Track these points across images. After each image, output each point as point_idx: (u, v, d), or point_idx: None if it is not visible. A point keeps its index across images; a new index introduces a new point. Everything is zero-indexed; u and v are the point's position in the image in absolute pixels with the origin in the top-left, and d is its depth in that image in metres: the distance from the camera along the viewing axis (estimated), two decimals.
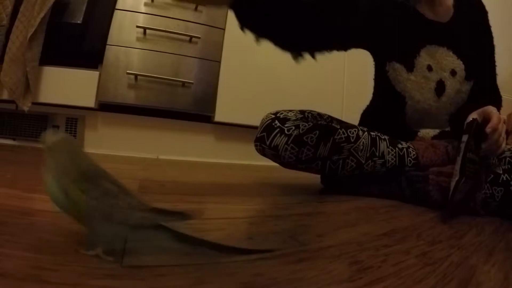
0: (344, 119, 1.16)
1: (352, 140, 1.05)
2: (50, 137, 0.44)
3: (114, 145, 1.86)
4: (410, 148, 1.10)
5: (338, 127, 1.06)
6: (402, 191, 1.08)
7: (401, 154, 1.09)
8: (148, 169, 1.44)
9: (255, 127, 1.16)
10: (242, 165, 1.80)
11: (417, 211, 0.94)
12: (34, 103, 1.75)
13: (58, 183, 0.43)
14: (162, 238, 0.47)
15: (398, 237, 0.64)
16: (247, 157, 1.88)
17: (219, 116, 1.92)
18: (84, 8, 1.82)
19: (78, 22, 1.81)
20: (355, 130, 1.07)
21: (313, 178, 1.19)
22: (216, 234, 0.61)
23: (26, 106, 1.71)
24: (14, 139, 1.87)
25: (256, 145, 1.11)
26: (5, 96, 1.74)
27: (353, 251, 0.53)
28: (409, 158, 1.09)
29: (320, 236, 0.60)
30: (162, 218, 0.46)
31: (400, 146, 1.10)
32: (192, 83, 1.87)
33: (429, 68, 1.12)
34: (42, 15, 1.69)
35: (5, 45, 1.74)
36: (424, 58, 1.12)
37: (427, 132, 1.16)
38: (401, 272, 0.47)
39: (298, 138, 1.03)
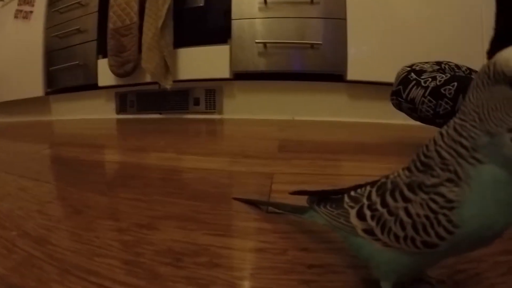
0: None
1: None
2: None
3: (251, 110, 2.01)
4: None
5: None
6: None
7: None
8: (285, 130, 1.53)
9: (389, 84, 1.13)
10: (377, 124, 1.76)
11: None
12: (175, 81, 2.05)
13: None
14: None
15: None
16: (382, 116, 1.82)
17: (351, 75, 1.86)
18: None
19: (201, 5, 2.03)
20: None
21: None
22: None
23: (168, 85, 2.03)
24: (160, 113, 2.22)
25: (392, 99, 1.09)
26: (148, 79, 2.10)
27: None
28: None
29: None
30: None
31: None
32: (320, 43, 1.86)
33: None
34: (166, 6, 1.94)
35: (139, 38, 2.07)
36: None
37: None
38: None
39: (436, 90, 0.97)
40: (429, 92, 0.98)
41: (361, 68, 1.86)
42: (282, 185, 0.66)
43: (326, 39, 1.87)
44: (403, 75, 1.05)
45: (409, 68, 1.06)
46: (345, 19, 1.86)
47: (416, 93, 1.00)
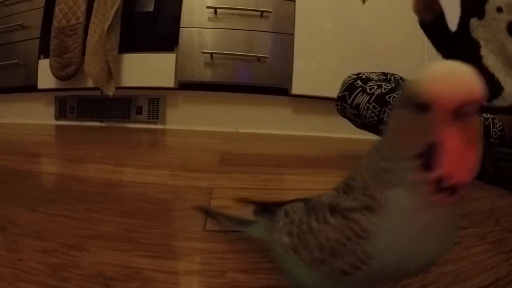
0: None
1: None
2: None
3: (195, 121, 1.99)
4: (496, 119, 0.99)
5: None
6: (484, 169, 0.93)
7: (486, 123, 0.98)
8: (228, 143, 1.51)
9: (333, 99, 1.15)
10: (321, 138, 1.80)
11: (500, 193, 0.84)
12: (117, 88, 1.96)
13: None
14: None
15: (475, 220, 0.60)
16: (325, 129, 1.87)
17: (296, 89, 1.91)
18: None
19: (150, 10, 1.98)
20: None
21: None
22: None
23: (110, 91, 1.93)
24: (101, 121, 2.12)
25: (337, 105, 1.11)
26: (90, 84, 1.99)
27: None
28: (494, 129, 0.97)
29: None
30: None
31: (485, 116, 0.99)
32: (267, 57, 1.88)
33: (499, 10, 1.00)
34: (115, 8, 1.87)
35: (84, 40, 1.97)
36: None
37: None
38: (472, 257, 0.45)
39: (381, 97, 1.00)
40: (374, 99, 1.01)
41: (306, 83, 1.91)
42: (221, 201, 0.65)
43: (273, 52, 1.90)
44: (349, 82, 1.08)
45: (355, 76, 1.09)
46: (293, 34, 1.91)
47: (362, 99, 1.03)
